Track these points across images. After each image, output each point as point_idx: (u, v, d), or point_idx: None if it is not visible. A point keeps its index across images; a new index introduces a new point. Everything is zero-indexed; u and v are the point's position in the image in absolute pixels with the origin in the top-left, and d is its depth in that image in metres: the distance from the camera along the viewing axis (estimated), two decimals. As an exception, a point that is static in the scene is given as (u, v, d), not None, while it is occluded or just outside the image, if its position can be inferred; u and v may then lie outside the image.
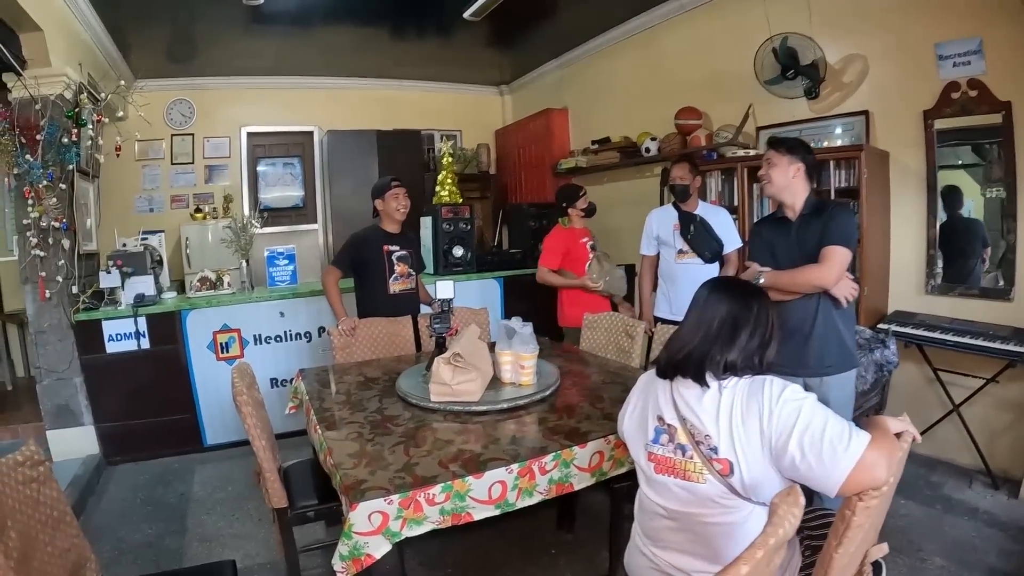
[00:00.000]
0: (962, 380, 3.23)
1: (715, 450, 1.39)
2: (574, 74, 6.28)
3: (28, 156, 3.50)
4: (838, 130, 3.78)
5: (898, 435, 1.40)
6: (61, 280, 3.69)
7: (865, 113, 3.64)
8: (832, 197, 3.47)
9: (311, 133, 6.73)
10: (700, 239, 3.47)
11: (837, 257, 2.23)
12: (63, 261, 3.69)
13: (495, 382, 2.46)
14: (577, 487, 1.89)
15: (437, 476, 1.67)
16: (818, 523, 1.64)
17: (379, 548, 1.56)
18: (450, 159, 5.14)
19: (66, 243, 3.70)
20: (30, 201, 3.52)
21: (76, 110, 3.72)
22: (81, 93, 3.82)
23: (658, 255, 3.70)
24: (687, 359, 1.46)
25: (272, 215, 6.25)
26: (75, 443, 3.84)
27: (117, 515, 3.28)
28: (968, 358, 3.12)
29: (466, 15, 4.74)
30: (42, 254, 3.61)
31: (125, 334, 3.89)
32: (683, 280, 3.50)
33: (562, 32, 5.61)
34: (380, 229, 3.54)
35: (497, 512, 1.73)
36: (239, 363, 2.35)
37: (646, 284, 3.79)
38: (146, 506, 3.40)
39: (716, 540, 1.42)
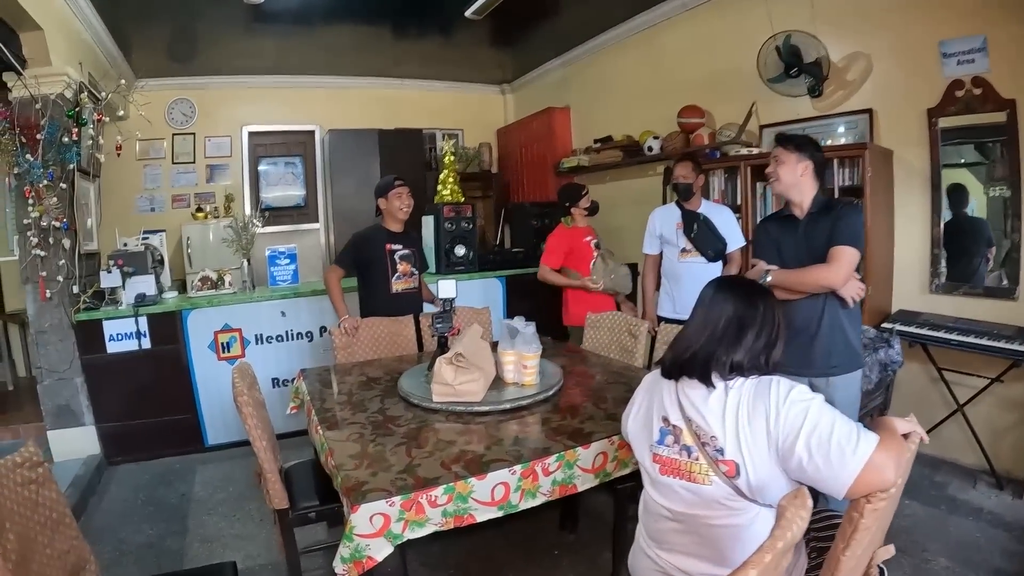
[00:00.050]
0: (966, 380, 3.21)
1: (721, 451, 1.38)
2: (576, 73, 6.26)
3: (28, 155, 3.49)
4: (841, 128, 3.76)
5: (905, 436, 1.39)
6: (62, 280, 3.68)
7: (869, 111, 3.62)
8: (836, 196, 3.45)
9: (312, 132, 6.72)
10: (703, 238, 3.45)
11: (846, 257, 2.21)
12: (64, 261, 3.68)
13: (498, 382, 2.45)
14: (581, 488, 1.87)
15: (439, 477, 1.66)
16: (824, 525, 1.63)
17: (381, 550, 1.55)
18: (452, 158, 5.12)
19: (67, 243, 3.69)
20: (31, 201, 3.51)
21: (77, 109, 3.71)
22: (82, 92, 3.81)
23: (661, 254, 3.69)
24: (693, 359, 1.45)
25: (273, 214, 6.24)
26: (76, 443, 3.83)
27: (118, 515, 3.28)
28: (972, 357, 3.10)
29: (468, 14, 4.72)
30: (43, 254, 3.60)
31: (126, 334, 3.88)
32: (686, 279, 3.49)
33: (564, 31, 5.59)
34: (383, 228, 3.53)
35: (500, 514, 1.72)
36: (240, 363, 2.34)
37: (649, 283, 3.78)
38: (147, 506, 3.39)
39: (722, 542, 1.40)
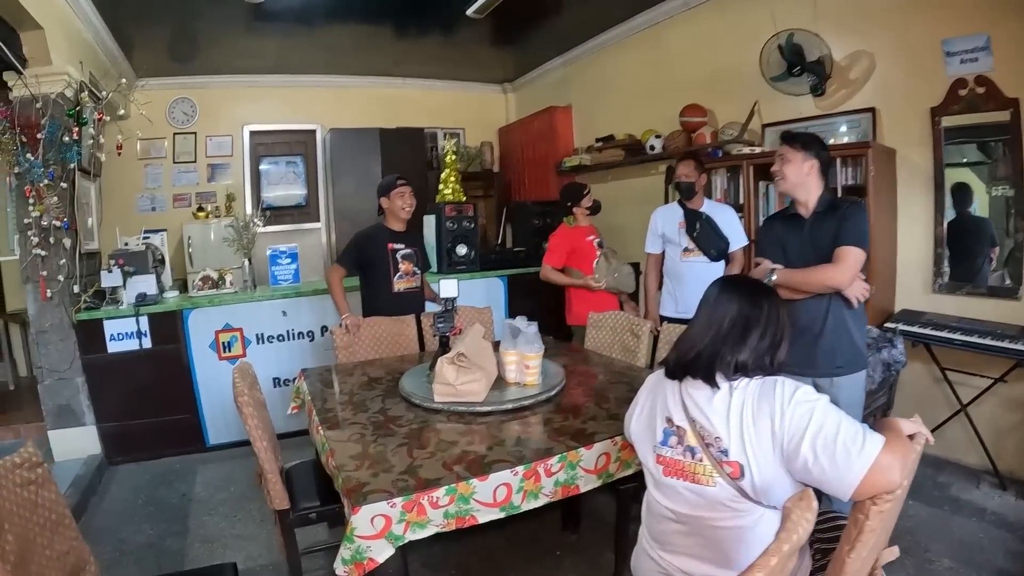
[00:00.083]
0: (970, 380, 3.20)
1: (725, 452, 1.37)
2: (578, 71, 6.24)
3: (29, 155, 3.48)
4: (844, 127, 3.74)
5: (911, 437, 1.38)
6: (62, 279, 3.67)
7: (872, 110, 3.61)
8: (839, 195, 3.44)
9: (314, 131, 6.71)
10: (706, 237, 3.44)
11: (852, 258, 2.20)
12: (64, 260, 3.68)
13: (499, 382, 2.44)
14: (583, 489, 1.87)
15: (441, 479, 1.65)
16: (828, 527, 1.62)
17: (382, 552, 1.54)
18: (453, 157, 5.12)
19: (67, 242, 3.69)
20: (31, 200, 3.51)
21: (77, 109, 3.70)
22: (82, 91, 3.80)
23: (663, 253, 3.68)
24: (697, 359, 1.44)
25: (275, 214, 6.26)
26: (77, 443, 3.83)
27: (119, 516, 3.27)
28: (976, 357, 3.09)
29: (469, 12, 4.71)
30: (43, 253, 3.59)
31: (127, 333, 3.87)
32: (689, 278, 3.48)
33: (565, 29, 5.58)
34: (385, 227, 3.52)
35: (502, 515, 1.71)
36: (240, 363, 2.33)
37: (651, 282, 3.77)
38: (148, 507, 3.39)
39: (726, 544, 1.39)
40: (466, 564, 2.64)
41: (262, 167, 6.56)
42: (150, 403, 3.99)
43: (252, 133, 6.52)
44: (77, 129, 3.69)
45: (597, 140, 5.67)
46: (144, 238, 4.35)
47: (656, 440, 1.51)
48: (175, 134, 6.22)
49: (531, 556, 2.69)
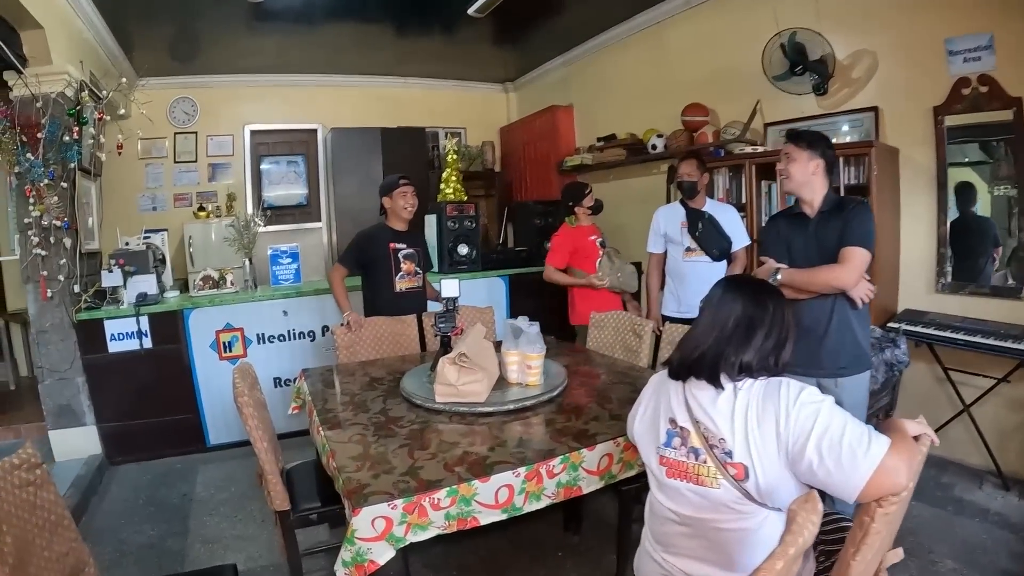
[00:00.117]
0: (973, 380, 3.19)
1: (730, 454, 1.35)
2: (579, 71, 6.23)
3: (29, 154, 3.48)
4: (846, 127, 3.73)
5: (916, 438, 1.37)
6: (63, 279, 3.67)
7: (874, 109, 3.59)
8: (842, 194, 3.42)
9: (315, 131, 6.70)
10: (708, 237, 3.43)
11: (858, 258, 2.19)
12: (65, 260, 3.67)
13: (501, 382, 2.43)
14: (586, 491, 1.86)
15: (442, 480, 1.64)
16: (832, 528, 1.61)
17: (383, 554, 1.53)
18: (455, 156, 5.11)
19: (68, 242, 3.68)
20: (31, 200, 3.50)
21: (78, 108, 3.70)
22: (83, 91, 3.79)
23: (665, 253, 3.67)
24: (701, 360, 1.42)
25: (276, 213, 6.26)
26: (77, 443, 3.82)
27: (119, 516, 3.27)
28: (979, 357, 3.07)
29: (470, 12, 4.70)
30: (44, 253, 3.58)
31: (127, 333, 3.87)
32: (691, 278, 3.47)
33: (567, 29, 5.57)
34: (387, 227, 3.52)
35: (504, 517, 1.70)
36: (240, 363, 2.33)
37: (654, 282, 3.76)
38: (148, 507, 3.38)
39: (730, 546, 1.38)
40: (467, 566, 2.63)
41: (263, 167, 6.55)
42: (151, 403, 3.98)
43: (253, 132, 6.51)
44: (77, 129, 3.69)
45: (599, 139, 5.66)
46: (145, 238, 4.34)
47: (659, 441, 1.50)
48: (176, 133, 6.22)
49: (533, 557, 2.68)
